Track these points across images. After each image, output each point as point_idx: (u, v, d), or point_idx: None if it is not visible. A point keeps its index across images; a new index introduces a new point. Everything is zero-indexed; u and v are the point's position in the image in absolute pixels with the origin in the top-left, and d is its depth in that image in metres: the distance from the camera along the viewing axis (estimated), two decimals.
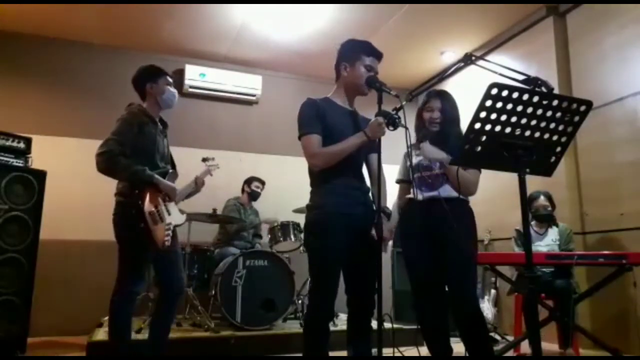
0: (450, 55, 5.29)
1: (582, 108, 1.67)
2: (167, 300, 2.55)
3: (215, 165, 2.98)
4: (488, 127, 1.64)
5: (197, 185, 2.78)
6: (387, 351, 2.07)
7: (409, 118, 2.11)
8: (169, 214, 2.53)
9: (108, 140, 2.39)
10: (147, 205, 2.42)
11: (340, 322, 3.99)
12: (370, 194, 2.25)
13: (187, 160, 2.90)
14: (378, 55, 2.22)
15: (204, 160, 2.99)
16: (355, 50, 2.21)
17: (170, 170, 2.66)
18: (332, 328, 2.21)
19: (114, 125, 2.46)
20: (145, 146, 2.50)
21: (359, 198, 2.18)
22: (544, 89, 2.11)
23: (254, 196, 4.87)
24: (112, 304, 2.42)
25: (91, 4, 4.31)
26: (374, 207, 2.15)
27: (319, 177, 2.17)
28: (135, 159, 2.42)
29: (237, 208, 4.73)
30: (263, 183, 4.92)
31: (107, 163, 2.35)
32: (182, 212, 2.67)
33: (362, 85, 2.18)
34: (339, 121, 2.16)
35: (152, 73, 2.63)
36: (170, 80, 2.68)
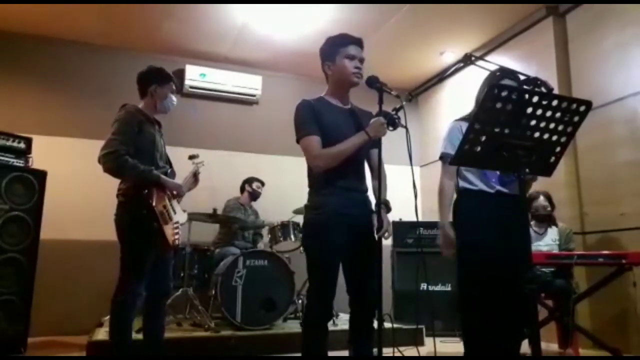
0: (450, 55, 5.29)
1: (582, 108, 1.67)
2: (157, 300, 2.54)
3: (200, 163, 2.94)
4: (488, 127, 1.64)
5: (196, 180, 2.77)
6: (387, 351, 2.07)
7: (409, 118, 2.11)
8: (175, 213, 2.54)
9: (111, 140, 2.36)
10: (156, 205, 2.41)
11: (341, 321, 3.99)
12: (369, 192, 2.23)
13: (186, 160, 2.91)
14: (356, 42, 2.19)
15: (191, 158, 2.95)
16: (332, 46, 2.20)
17: (169, 170, 2.66)
18: (332, 328, 2.21)
19: (113, 125, 2.43)
20: (145, 146, 2.48)
21: (357, 198, 2.17)
22: (543, 89, 2.12)
23: (254, 196, 4.88)
24: (115, 304, 2.36)
25: (91, 4, 4.32)
26: (373, 207, 2.13)
27: (317, 177, 2.15)
28: (138, 159, 2.40)
29: (237, 208, 4.73)
30: (263, 184, 4.94)
31: (115, 162, 2.32)
32: (184, 210, 2.68)
33: (349, 75, 2.15)
34: (336, 120, 2.15)
35: (161, 76, 2.61)
36: (174, 88, 2.68)
